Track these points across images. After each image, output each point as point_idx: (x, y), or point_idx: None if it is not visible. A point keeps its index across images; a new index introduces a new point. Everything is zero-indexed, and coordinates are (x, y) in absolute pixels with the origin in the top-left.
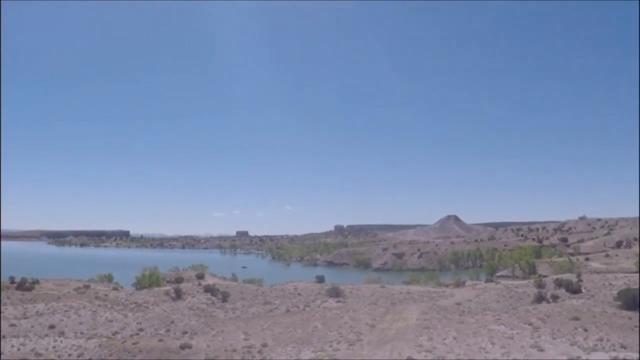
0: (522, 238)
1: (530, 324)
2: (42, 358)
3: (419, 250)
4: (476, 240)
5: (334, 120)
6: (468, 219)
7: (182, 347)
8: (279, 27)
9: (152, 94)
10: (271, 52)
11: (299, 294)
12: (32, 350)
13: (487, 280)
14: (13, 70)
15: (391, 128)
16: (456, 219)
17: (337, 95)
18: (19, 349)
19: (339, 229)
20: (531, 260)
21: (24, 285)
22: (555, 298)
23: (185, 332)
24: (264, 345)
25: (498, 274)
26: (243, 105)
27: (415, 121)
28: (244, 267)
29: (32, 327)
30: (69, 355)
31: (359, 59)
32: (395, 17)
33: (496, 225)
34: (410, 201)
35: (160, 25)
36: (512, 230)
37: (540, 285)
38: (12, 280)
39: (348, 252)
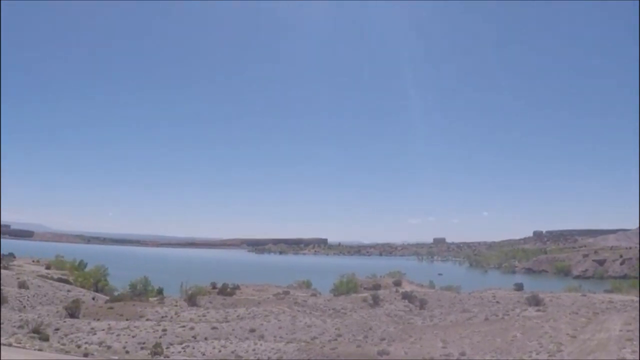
0: None
1: None
2: (243, 359)
3: (621, 256)
4: None
5: (522, 122)
6: None
7: (380, 354)
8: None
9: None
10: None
11: (497, 302)
12: (232, 352)
13: None
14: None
15: (595, 128)
16: None
17: (515, 97)
18: (220, 351)
19: (537, 235)
20: None
21: (225, 291)
22: None
23: (383, 339)
24: (462, 354)
25: None
26: (431, 109)
27: (623, 122)
28: (439, 274)
29: (233, 330)
30: (268, 357)
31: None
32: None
33: None
34: (610, 203)
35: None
36: None
37: None
38: (213, 286)
39: (547, 259)
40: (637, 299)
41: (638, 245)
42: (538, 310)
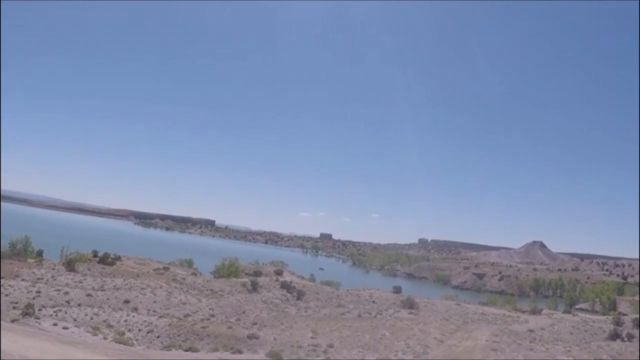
0: (607, 272)
1: None
2: (113, 329)
3: (500, 273)
4: (559, 270)
5: (430, 132)
6: (554, 246)
7: (250, 337)
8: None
9: (250, 89)
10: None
11: (373, 301)
12: (104, 320)
13: (564, 311)
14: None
15: (489, 150)
16: (542, 245)
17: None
18: (91, 318)
19: (422, 243)
20: (613, 297)
21: (106, 260)
22: (630, 337)
23: (255, 323)
24: (330, 345)
25: (577, 307)
26: (344, 110)
27: (515, 143)
28: (321, 269)
29: (107, 299)
30: (139, 330)
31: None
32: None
33: (582, 257)
34: (497, 222)
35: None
36: (598, 263)
37: (618, 323)
38: (95, 254)
39: (429, 267)
40: (509, 313)
41: (518, 264)
42: (411, 313)
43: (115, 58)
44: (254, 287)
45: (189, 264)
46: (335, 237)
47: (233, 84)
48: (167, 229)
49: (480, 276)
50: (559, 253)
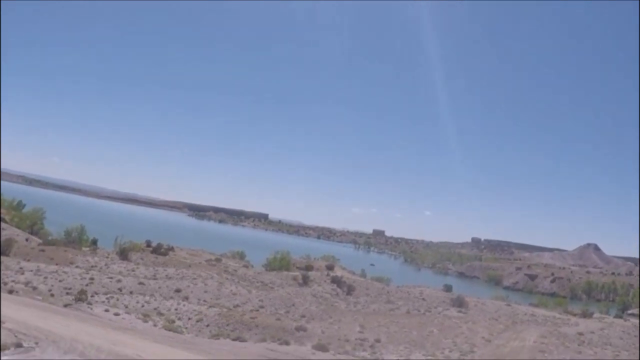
0: None
1: None
2: (164, 317)
3: (552, 274)
4: (613, 274)
5: (479, 130)
6: (609, 250)
7: (297, 329)
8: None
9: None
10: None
11: (423, 299)
12: (155, 308)
13: (616, 316)
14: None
15: (545, 150)
16: (596, 248)
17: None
18: (142, 306)
19: (475, 242)
20: None
21: (159, 250)
22: None
23: (303, 316)
24: (377, 340)
25: (630, 312)
26: (396, 108)
27: (571, 144)
28: (372, 265)
29: (159, 288)
30: (189, 318)
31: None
32: None
33: (637, 261)
34: (551, 223)
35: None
36: None
37: None
38: (148, 244)
39: (481, 266)
40: (559, 315)
41: (571, 267)
42: (460, 312)
43: (176, 46)
44: (305, 281)
45: (241, 256)
46: (388, 233)
47: (292, 76)
48: (220, 221)
49: (532, 277)
50: (613, 257)
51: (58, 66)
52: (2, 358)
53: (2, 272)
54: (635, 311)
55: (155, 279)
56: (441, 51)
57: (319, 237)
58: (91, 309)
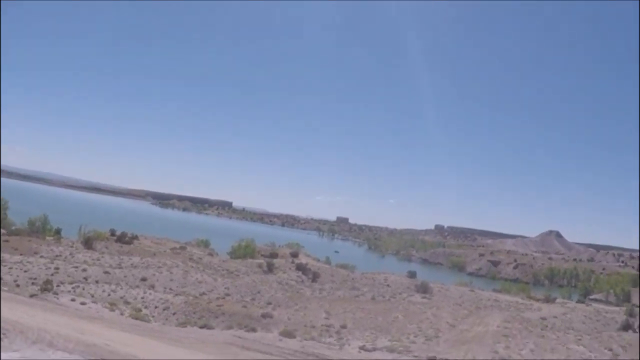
0: (622, 264)
1: (610, 350)
2: (130, 305)
3: (515, 261)
4: (575, 260)
5: (445, 119)
6: (570, 236)
7: (264, 316)
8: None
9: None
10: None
11: (388, 285)
12: (121, 297)
13: (578, 301)
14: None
15: (508, 138)
16: (558, 235)
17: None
18: (109, 294)
19: (439, 229)
20: (627, 288)
21: (123, 239)
22: None
23: (269, 303)
24: (343, 326)
25: (591, 297)
26: (360, 96)
27: (533, 132)
28: (336, 252)
29: (124, 276)
30: (155, 307)
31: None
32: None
33: (598, 248)
34: (514, 210)
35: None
36: (614, 254)
37: (631, 314)
38: (112, 233)
39: (444, 253)
40: (522, 301)
41: (533, 253)
42: (424, 298)
43: (139, 37)
44: (270, 268)
45: (206, 244)
46: (351, 221)
47: (252, 66)
48: (185, 209)
49: (496, 264)
50: (575, 243)
51: (18, 55)
52: None
53: None
54: (597, 297)
55: (120, 267)
56: (412, 39)
57: (283, 225)
58: (57, 298)
